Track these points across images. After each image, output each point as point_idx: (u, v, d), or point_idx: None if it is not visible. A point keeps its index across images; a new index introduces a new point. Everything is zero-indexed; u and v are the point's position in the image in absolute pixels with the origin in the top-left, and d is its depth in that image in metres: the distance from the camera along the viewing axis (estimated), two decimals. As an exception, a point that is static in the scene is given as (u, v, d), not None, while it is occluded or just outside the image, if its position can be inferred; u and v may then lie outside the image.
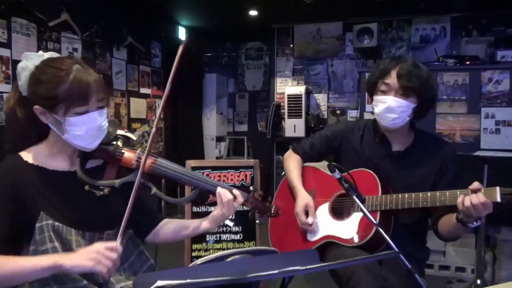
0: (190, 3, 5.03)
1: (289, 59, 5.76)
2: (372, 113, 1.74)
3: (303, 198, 1.76)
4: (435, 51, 4.82)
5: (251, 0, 4.83)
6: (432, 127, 3.87)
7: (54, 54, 1.27)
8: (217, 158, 6.34)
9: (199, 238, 2.59)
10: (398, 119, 1.64)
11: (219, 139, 6.54)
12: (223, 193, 1.35)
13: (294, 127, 5.26)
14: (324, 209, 1.77)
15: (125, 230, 1.32)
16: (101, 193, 1.26)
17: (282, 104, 5.58)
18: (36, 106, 1.18)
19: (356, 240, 1.61)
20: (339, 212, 1.75)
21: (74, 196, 1.25)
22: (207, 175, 2.55)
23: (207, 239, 2.63)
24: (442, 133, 3.90)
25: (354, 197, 1.41)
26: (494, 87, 3.82)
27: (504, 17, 4.71)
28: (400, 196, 1.58)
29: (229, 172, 2.66)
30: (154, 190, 1.31)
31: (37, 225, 1.18)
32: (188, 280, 0.81)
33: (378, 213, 1.60)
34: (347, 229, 1.66)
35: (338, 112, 5.54)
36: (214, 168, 2.64)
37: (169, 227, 1.46)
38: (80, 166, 1.25)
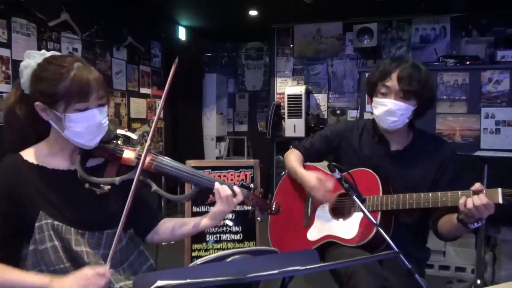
0: (190, 3, 5.03)
1: (289, 59, 5.76)
2: (372, 113, 1.74)
3: (311, 175, 1.72)
4: (435, 51, 4.82)
5: (251, 0, 4.83)
6: (432, 127, 3.87)
7: (57, 53, 1.28)
8: (217, 158, 6.35)
9: (199, 238, 2.59)
10: (397, 122, 1.64)
11: (219, 139, 6.54)
12: (221, 189, 1.35)
13: (294, 127, 5.27)
14: (324, 209, 1.77)
15: (124, 227, 1.33)
16: (101, 191, 1.26)
17: (282, 104, 5.58)
18: (37, 103, 1.19)
19: (356, 240, 1.60)
20: (339, 212, 1.75)
21: (74, 195, 1.25)
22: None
23: (207, 239, 2.63)
24: (442, 133, 3.90)
25: (354, 197, 1.41)
26: (494, 87, 3.82)
27: (504, 17, 4.72)
28: (401, 196, 1.58)
29: (229, 172, 2.66)
30: (154, 187, 1.31)
31: (37, 224, 1.19)
32: (188, 280, 0.81)
33: (379, 213, 1.60)
34: (348, 229, 1.66)
35: (338, 112, 5.54)
36: (214, 168, 2.64)
37: (168, 225, 1.45)
38: (80, 164, 1.25)
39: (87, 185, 1.25)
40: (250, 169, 2.68)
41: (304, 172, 1.77)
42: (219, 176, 2.62)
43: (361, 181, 1.53)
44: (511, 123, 3.78)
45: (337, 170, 1.43)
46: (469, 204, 1.37)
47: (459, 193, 1.45)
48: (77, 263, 1.20)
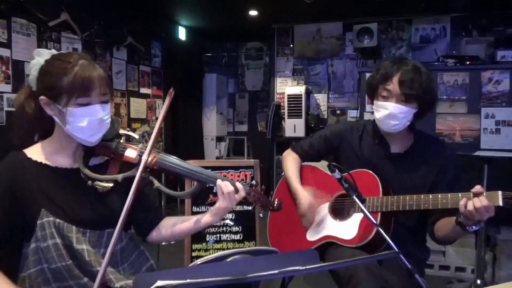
0: (190, 3, 5.03)
1: (289, 59, 5.76)
2: (372, 113, 1.74)
3: (305, 198, 1.75)
4: (435, 51, 4.82)
5: (251, 0, 4.83)
6: (432, 127, 3.87)
7: (65, 52, 1.31)
8: (217, 158, 6.35)
9: (199, 238, 2.59)
10: (399, 125, 1.64)
11: (219, 139, 6.54)
12: (223, 185, 1.35)
13: (294, 127, 5.27)
14: (324, 209, 1.77)
15: (125, 227, 1.33)
16: (104, 189, 1.26)
17: (282, 104, 5.58)
18: (41, 97, 1.22)
19: (356, 241, 1.60)
20: (339, 212, 1.75)
21: (76, 193, 1.26)
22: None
23: (207, 239, 2.63)
24: (442, 133, 3.91)
25: (354, 197, 1.41)
26: (494, 87, 3.82)
27: (504, 17, 4.72)
28: (401, 197, 1.58)
29: (229, 172, 2.66)
30: (156, 184, 1.31)
31: (39, 222, 1.19)
32: (188, 280, 0.81)
33: (379, 214, 1.60)
34: (348, 229, 1.66)
35: (338, 112, 5.54)
36: (214, 168, 2.64)
37: (169, 223, 1.45)
38: (82, 162, 1.26)
39: (89, 183, 1.25)
40: (250, 169, 2.68)
41: (299, 190, 1.79)
42: (219, 176, 2.62)
43: (361, 182, 1.53)
44: (511, 123, 3.78)
45: (337, 170, 1.43)
46: (470, 206, 1.37)
47: (460, 195, 1.45)
48: (78, 260, 1.21)
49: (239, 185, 1.38)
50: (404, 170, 1.70)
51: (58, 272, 1.18)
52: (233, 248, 2.63)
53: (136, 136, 1.39)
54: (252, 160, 2.80)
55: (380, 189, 1.63)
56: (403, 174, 1.70)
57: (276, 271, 0.83)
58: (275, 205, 1.47)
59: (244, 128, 6.93)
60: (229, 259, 1.24)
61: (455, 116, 3.91)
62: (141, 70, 5.20)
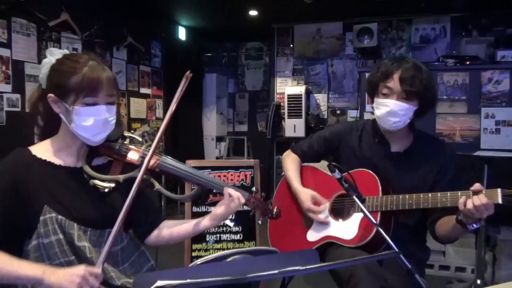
0: (190, 3, 5.03)
1: (289, 59, 5.76)
2: (372, 113, 1.74)
3: (306, 193, 1.77)
4: (435, 51, 4.82)
5: (251, 0, 4.83)
6: (432, 127, 3.87)
7: (76, 53, 1.35)
8: (217, 158, 6.34)
9: (199, 238, 2.59)
10: (399, 122, 1.64)
11: (219, 139, 6.54)
12: (234, 194, 1.36)
13: (294, 127, 5.27)
14: (324, 210, 1.77)
15: (125, 228, 1.33)
16: (106, 190, 1.27)
17: (282, 104, 5.58)
18: (49, 95, 1.24)
19: (356, 240, 1.60)
20: (339, 212, 1.75)
21: (79, 191, 1.27)
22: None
23: (207, 239, 2.63)
24: (442, 133, 3.90)
25: (354, 197, 1.41)
26: (494, 87, 3.82)
27: (504, 17, 4.72)
28: (401, 197, 1.58)
29: (229, 172, 2.66)
30: (157, 186, 1.32)
31: (41, 218, 1.20)
32: (188, 280, 0.81)
33: (379, 214, 1.60)
34: (347, 229, 1.66)
35: (338, 112, 5.54)
36: (214, 168, 2.64)
37: (168, 225, 1.46)
38: (86, 161, 1.27)
39: (91, 183, 1.26)
40: (250, 169, 2.68)
41: (300, 190, 1.81)
42: (219, 176, 2.62)
43: (360, 182, 1.53)
44: (511, 123, 3.78)
45: (337, 170, 1.43)
46: (469, 204, 1.37)
47: (459, 193, 1.45)
48: (80, 257, 1.22)
49: (239, 192, 1.39)
50: (404, 169, 1.70)
51: (61, 268, 1.18)
52: (233, 248, 2.63)
53: (140, 139, 1.40)
54: (252, 160, 2.80)
55: (380, 188, 1.63)
56: (403, 173, 1.70)
57: (276, 271, 0.83)
58: (274, 212, 1.47)
59: (244, 128, 6.93)
60: (229, 259, 1.25)
61: (455, 116, 3.91)
62: (141, 70, 5.20)
